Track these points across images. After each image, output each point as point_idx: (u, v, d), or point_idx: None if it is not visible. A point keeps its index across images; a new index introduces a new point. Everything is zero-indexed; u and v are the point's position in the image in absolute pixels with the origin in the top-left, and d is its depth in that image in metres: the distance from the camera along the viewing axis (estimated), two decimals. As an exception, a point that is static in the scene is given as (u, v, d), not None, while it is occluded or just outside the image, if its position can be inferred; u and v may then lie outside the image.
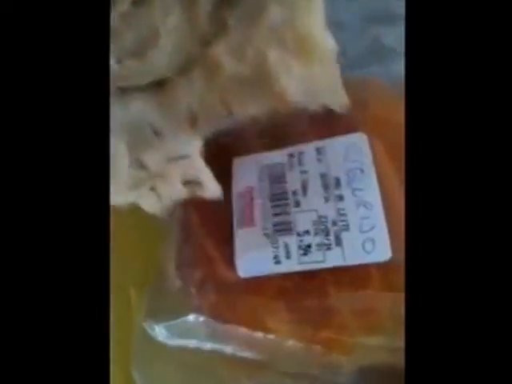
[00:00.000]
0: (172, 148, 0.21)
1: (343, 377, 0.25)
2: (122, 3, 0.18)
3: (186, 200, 0.28)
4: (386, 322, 0.24)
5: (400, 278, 0.23)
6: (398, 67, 0.31)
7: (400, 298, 0.21)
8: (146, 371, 0.26)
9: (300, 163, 0.27)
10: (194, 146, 0.22)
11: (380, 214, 0.25)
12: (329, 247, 0.25)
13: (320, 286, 0.25)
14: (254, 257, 0.25)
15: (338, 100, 0.19)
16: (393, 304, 0.24)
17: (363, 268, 0.24)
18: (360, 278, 0.24)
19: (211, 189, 0.25)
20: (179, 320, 0.25)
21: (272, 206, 0.26)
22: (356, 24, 0.31)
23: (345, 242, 0.25)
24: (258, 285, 0.25)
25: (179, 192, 0.24)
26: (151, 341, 0.26)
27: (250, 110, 0.19)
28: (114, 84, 0.18)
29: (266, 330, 0.25)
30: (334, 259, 0.24)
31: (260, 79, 0.18)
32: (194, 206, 0.28)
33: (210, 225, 0.27)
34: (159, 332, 0.26)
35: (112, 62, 0.18)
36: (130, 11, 0.18)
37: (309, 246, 0.25)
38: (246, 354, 0.25)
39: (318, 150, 0.27)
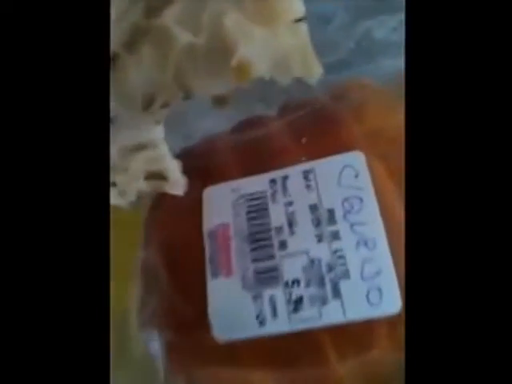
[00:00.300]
0: (130, 136, 0.20)
1: None
2: None
3: (148, 238, 0.23)
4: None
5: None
6: (390, 63, 0.27)
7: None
8: None
9: (284, 192, 0.22)
10: (156, 133, 0.20)
11: (386, 254, 0.20)
12: (325, 300, 0.20)
13: (316, 350, 0.20)
14: (232, 316, 0.20)
15: (311, 71, 0.17)
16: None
17: (367, 323, 0.20)
18: (364, 336, 0.20)
19: (177, 183, 0.23)
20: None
21: (252, 249, 0.21)
22: (343, 17, 0.27)
23: (344, 292, 0.20)
24: (240, 351, 0.20)
25: (141, 187, 0.22)
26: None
27: (209, 86, 0.17)
28: None
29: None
30: (331, 315, 0.20)
31: (217, 50, 0.16)
32: (158, 245, 0.23)
33: (178, 271, 0.22)
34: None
35: None
36: None
37: (300, 300, 0.20)
38: None
39: (306, 174, 0.22)
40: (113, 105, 0.18)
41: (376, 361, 0.20)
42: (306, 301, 0.20)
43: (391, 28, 0.27)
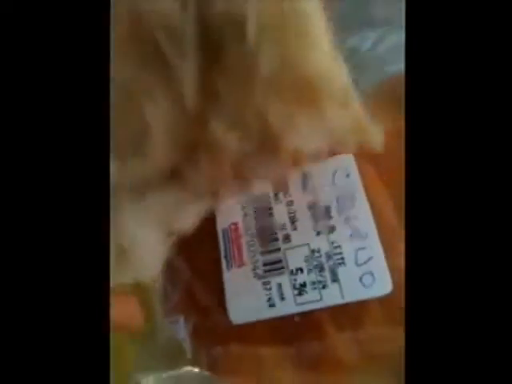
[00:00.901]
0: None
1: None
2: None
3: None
4: (389, 359, 0.23)
5: (401, 311, 0.22)
6: (375, 73, 0.30)
7: (402, 331, 0.19)
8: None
9: (286, 193, 0.25)
10: None
11: (376, 243, 0.23)
12: (325, 285, 0.23)
13: (317, 327, 0.23)
14: (245, 301, 0.24)
15: (372, 137, 0.17)
16: (395, 339, 0.23)
17: (362, 303, 0.23)
18: (359, 314, 0.23)
19: None
20: (171, 372, 0.24)
21: (260, 244, 0.25)
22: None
23: (341, 277, 0.23)
24: (253, 330, 0.23)
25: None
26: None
27: (265, 175, 0.18)
28: (125, 183, 0.17)
29: (263, 378, 0.24)
30: (331, 297, 0.23)
31: (267, 145, 0.16)
32: (180, 245, 0.26)
33: (197, 266, 0.25)
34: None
35: (112, 162, 0.16)
36: (116, 109, 0.16)
37: (303, 285, 0.23)
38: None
39: (304, 177, 0.26)
40: (181, 198, 0.19)
41: (369, 335, 0.23)
42: (308, 286, 0.23)
43: (373, 42, 0.30)
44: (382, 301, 0.23)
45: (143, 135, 0.16)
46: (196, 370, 0.24)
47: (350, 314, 0.23)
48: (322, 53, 0.15)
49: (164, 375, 0.24)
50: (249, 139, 0.16)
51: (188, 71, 0.16)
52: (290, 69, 0.15)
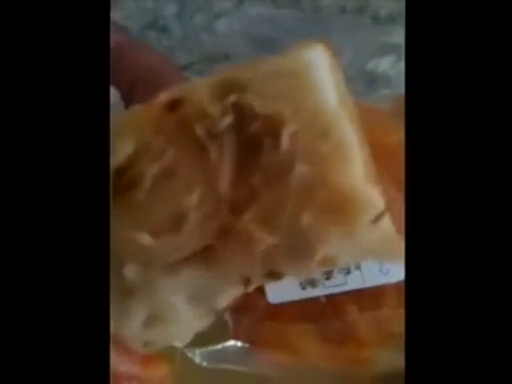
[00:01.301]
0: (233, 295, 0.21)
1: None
2: (145, 181, 0.17)
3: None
4: (400, 336, 0.27)
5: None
6: (388, 92, 0.34)
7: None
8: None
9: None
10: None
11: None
12: (349, 271, 0.27)
13: (341, 307, 0.27)
14: (282, 284, 0.27)
15: (394, 254, 0.17)
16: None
17: (380, 288, 0.27)
18: (376, 296, 0.27)
19: None
20: (217, 345, 0.28)
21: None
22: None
23: (363, 265, 0.27)
24: (286, 309, 0.27)
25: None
26: (191, 364, 0.29)
27: (296, 272, 0.19)
28: (161, 259, 0.18)
29: (294, 350, 0.28)
30: (354, 282, 0.27)
31: (297, 247, 0.17)
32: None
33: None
34: (198, 356, 0.28)
35: (148, 238, 0.17)
36: (155, 189, 0.17)
37: (331, 272, 0.27)
38: (280, 373, 0.28)
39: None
40: (213, 280, 0.19)
41: (386, 316, 0.27)
42: (335, 272, 0.27)
43: (388, 65, 0.34)
44: (397, 286, 0.27)
45: (179, 215, 0.17)
46: (238, 343, 0.28)
47: (370, 297, 0.27)
48: (357, 169, 0.16)
49: (209, 348, 0.28)
50: (280, 237, 0.16)
51: (226, 164, 0.17)
52: (325, 180, 0.16)
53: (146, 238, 0.17)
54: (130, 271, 0.18)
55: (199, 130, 0.17)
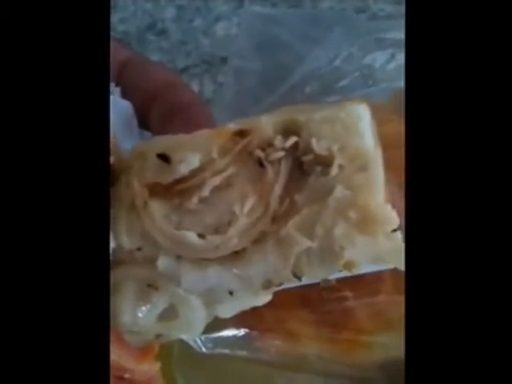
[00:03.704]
0: (245, 303, 0.23)
1: (365, 372, 0.28)
2: (204, 190, 0.21)
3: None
4: (398, 322, 0.28)
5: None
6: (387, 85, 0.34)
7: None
8: (187, 376, 0.29)
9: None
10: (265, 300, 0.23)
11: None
12: (345, 258, 0.28)
13: (338, 293, 0.28)
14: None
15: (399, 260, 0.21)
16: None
17: (378, 274, 0.28)
18: (374, 283, 0.28)
19: None
20: (218, 332, 0.28)
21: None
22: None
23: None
24: (284, 296, 0.28)
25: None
26: (189, 350, 0.29)
27: (319, 275, 0.22)
28: (196, 256, 0.21)
29: (292, 335, 0.28)
30: (351, 268, 0.28)
31: (327, 251, 0.20)
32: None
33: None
34: (199, 343, 0.29)
35: (195, 237, 0.21)
36: (211, 196, 0.21)
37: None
38: (278, 358, 0.28)
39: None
40: (236, 283, 0.21)
41: (383, 302, 0.28)
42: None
43: (385, 60, 0.35)
44: (394, 273, 0.27)
45: (228, 219, 0.21)
46: (237, 329, 0.28)
47: (367, 284, 0.28)
48: (380, 193, 0.20)
49: (209, 335, 0.29)
50: (315, 242, 0.20)
51: (279, 183, 0.21)
52: (357, 201, 0.20)
53: (192, 237, 0.21)
54: (163, 263, 0.21)
55: (261, 155, 0.21)
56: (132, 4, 0.47)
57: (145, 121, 0.28)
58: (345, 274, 0.23)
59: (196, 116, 0.27)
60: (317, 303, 0.28)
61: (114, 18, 0.46)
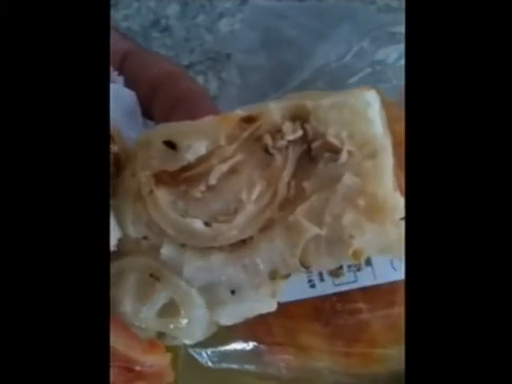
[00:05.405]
0: (248, 308, 0.22)
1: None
2: (211, 177, 0.20)
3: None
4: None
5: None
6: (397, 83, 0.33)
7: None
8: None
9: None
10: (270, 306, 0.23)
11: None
12: (359, 268, 0.26)
13: (352, 305, 0.26)
14: (290, 282, 0.27)
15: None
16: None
17: (392, 285, 0.26)
18: (388, 294, 0.26)
19: None
20: (225, 345, 0.27)
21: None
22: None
23: (374, 261, 0.26)
24: (295, 308, 0.27)
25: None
26: (195, 365, 0.28)
27: (327, 264, 0.21)
28: (202, 244, 0.21)
29: (303, 349, 0.27)
30: (364, 279, 0.26)
31: (336, 240, 0.20)
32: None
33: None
34: (205, 356, 0.28)
35: (201, 224, 0.20)
36: (218, 183, 0.20)
37: (340, 268, 0.26)
38: (289, 373, 0.27)
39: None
40: (240, 274, 0.21)
41: (397, 314, 0.26)
42: (345, 268, 0.26)
43: (398, 55, 0.34)
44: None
45: (235, 207, 0.21)
46: (245, 343, 0.27)
47: (382, 295, 0.26)
48: (389, 181, 0.20)
49: (216, 348, 0.27)
50: (323, 230, 0.20)
51: (287, 169, 0.20)
52: (366, 189, 0.20)
53: (198, 224, 0.21)
54: (167, 251, 0.21)
55: (269, 141, 0.20)
56: (135, 1, 0.47)
57: (148, 111, 0.28)
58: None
59: (200, 105, 0.27)
60: (330, 315, 0.27)
61: (118, 15, 0.46)
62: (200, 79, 0.44)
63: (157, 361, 0.22)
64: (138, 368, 0.21)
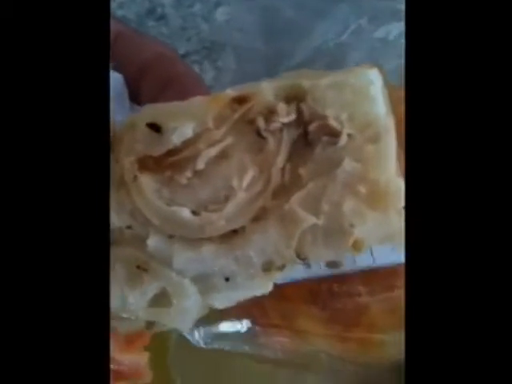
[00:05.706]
0: (242, 294, 0.21)
1: (377, 371, 0.26)
2: (199, 162, 0.19)
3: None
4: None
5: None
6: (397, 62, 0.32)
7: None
8: (184, 373, 0.27)
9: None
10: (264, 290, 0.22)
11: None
12: (358, 249, 0.25)
13: (351, 287, 0.25)
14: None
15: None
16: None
17: (392, 268, 0.25)
18: (389, 277, 0.25)
19: None
20: (217, 325, 0.26)
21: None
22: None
23: (373, 244, 0.25)
24: (290, 289, 0.26)
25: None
26: (187, 346, 0.27)
27: (325, 256, 0.20)
28: (190, 235, 0.20)
29: (299, 332, 0.26)
30: (363, 260, 0.25)
31: (335, 229, 0.19)
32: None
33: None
34: (197, 336, 0.27)
35: (188, 213, 0.19)
36: (206, 169, 0.19)
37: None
38: (284, 356, 0.26)
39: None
40: (232, 265, 0.20)
41: (397, 298, 0.26)
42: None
43: (399, 33, 0.33)
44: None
45: (225, 195, 0.19)
46: (239, 323, 0.26)
47: (381, 278, 0.25)
48: (392, 166, 0.19)
49: (209, 328, 0.27)
50: (321, 219, 0.19)
51: (281, 154, 0.19)
52: (367, 175, 0.18)
53: (185, 213, 0.19)
54: (153, 242, 0.20)
55: (261, 124, 0.19)
56: (131, -11, 0.46)
57: (136, 94, 0.27)
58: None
59: (190, 87, 0.25)
60: (328, 298, 0.26)
61: (113, 4, 0.45)
62: (196, 68, 0.43)
63: (134, 360, 0.21)
64: (115, 367, 0.20)
